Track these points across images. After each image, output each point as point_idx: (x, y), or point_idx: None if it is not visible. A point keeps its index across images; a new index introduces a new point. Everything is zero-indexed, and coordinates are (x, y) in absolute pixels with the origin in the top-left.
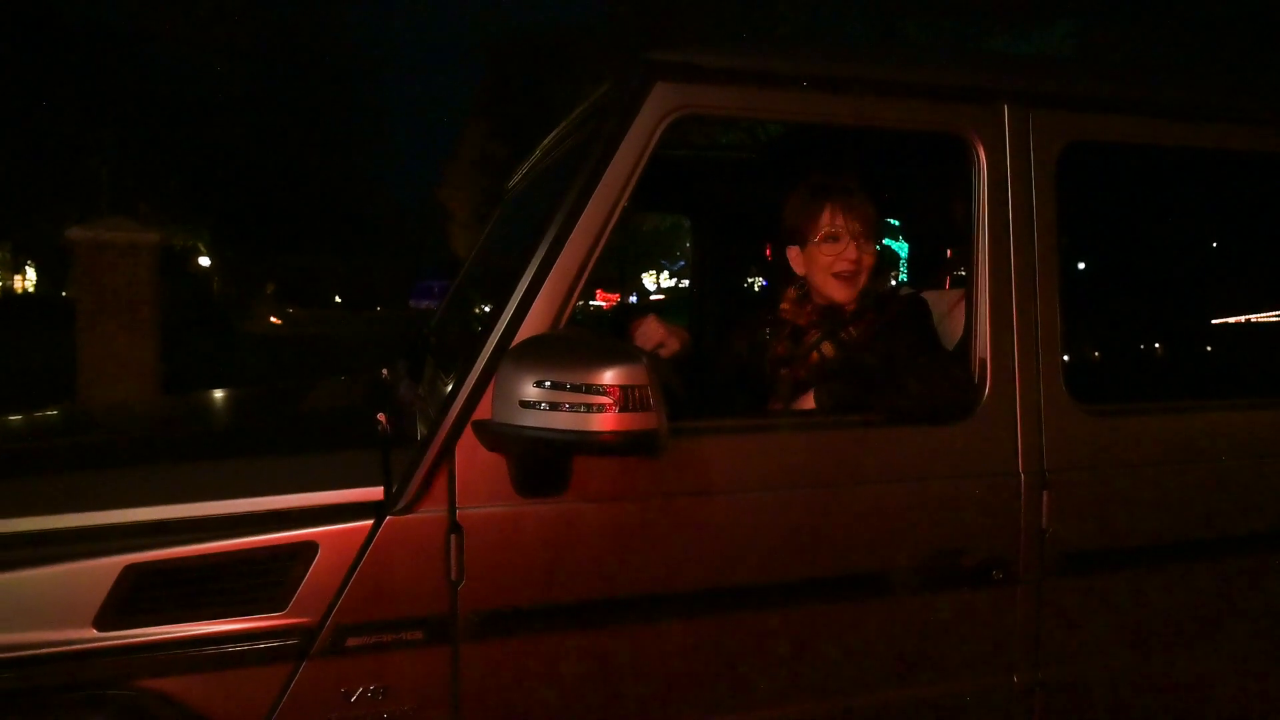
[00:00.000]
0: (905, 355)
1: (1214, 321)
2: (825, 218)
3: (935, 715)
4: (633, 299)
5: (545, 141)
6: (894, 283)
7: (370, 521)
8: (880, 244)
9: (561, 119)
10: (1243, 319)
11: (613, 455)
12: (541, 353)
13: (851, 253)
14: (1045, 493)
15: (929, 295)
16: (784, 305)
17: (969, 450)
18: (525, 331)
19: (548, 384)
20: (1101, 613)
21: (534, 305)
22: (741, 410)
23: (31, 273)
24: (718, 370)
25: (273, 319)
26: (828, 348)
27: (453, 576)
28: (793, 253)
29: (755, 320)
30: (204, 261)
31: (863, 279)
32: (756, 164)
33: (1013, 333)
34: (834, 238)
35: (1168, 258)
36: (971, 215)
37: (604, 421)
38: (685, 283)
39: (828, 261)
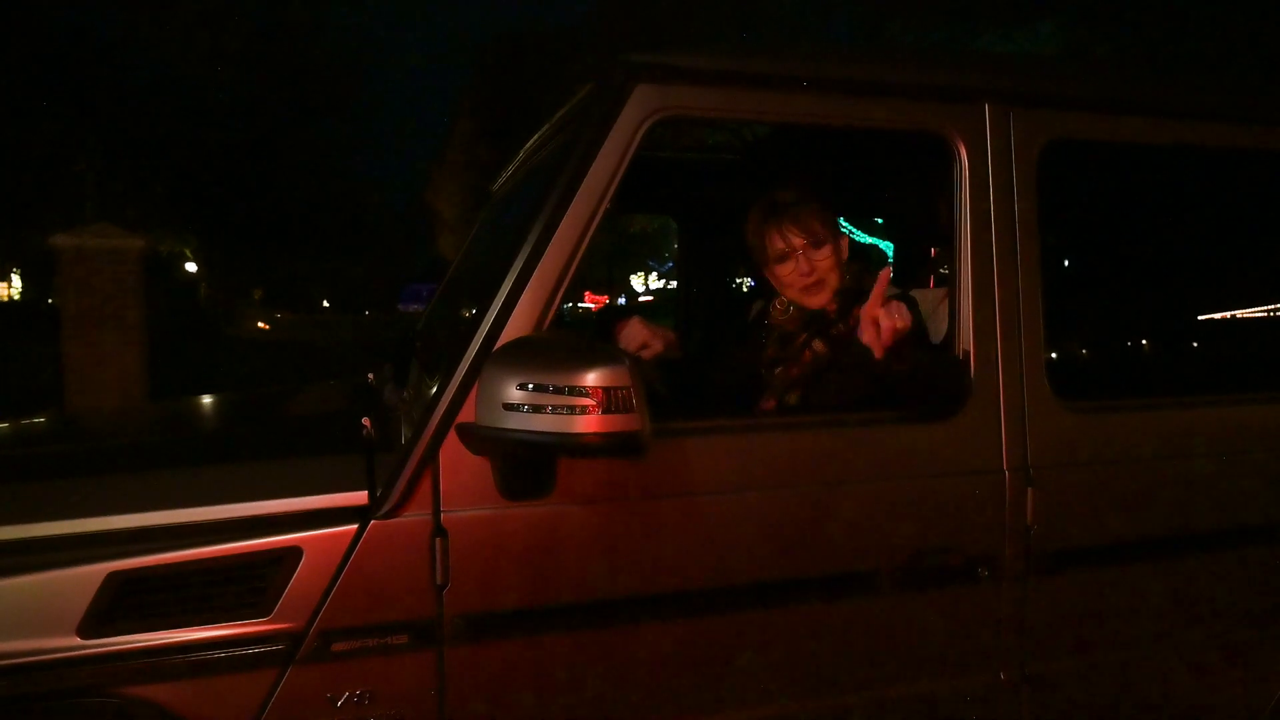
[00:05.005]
0: (893, 353)
1: (1197, 318)
2: (769, 242)
3: (922, 712)
4: (621, 300)
5: (529, 144)
6: None
7: (355, 526)
8: (838, 236)
9: (546, 121)
10: (1225, 315)
11: (596, 457)
12: (524, 355)
13: (804, 266)
14: (1030, 490)
15: (913, 294)
16: (775, 313)
17: (953, 448)
18: (509, 334)
19: (531, 386)
20: (1087, 609)
21: (517, 308)
22: (726, 410)
23: (16, 279)
24: (712, 372)
25: (260, 324)
26: (819, 345)
27: (438, 580)
28: (768, 276)
29: (745, 325)
30: (190, 267)
31: (831, 280)
32: (741, 165)
33: (996, 331)
34: (783, 258)
35: (1150, 254)
36: (954, 214)
37: (587, 423)
38: (674, 284)
39: (788, 279)
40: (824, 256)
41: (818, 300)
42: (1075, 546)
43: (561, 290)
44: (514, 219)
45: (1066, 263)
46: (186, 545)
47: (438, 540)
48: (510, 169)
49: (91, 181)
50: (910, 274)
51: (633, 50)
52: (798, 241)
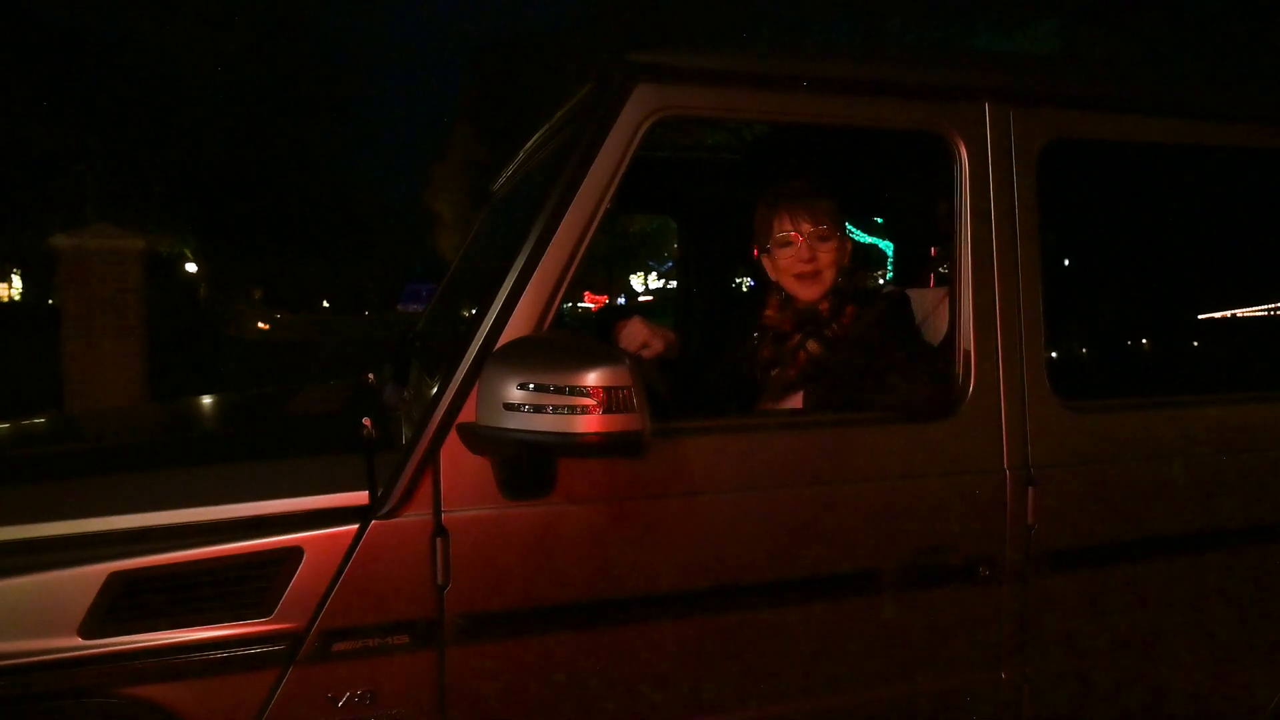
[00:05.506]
0: (887, 352)
1: (1197, 317)
2: (777, 223)
3: (924, 711)
4: (621, 300)
5: (529, 144)
6: (880, 281)
7: (355, 526)
8: (844, 238)
9: (546, 121)
10: (1225, 314)
11: (596, 456)
12: (525, 355)
13: (804, 253)
14: (1030, 489)
15: (913, 294)
16: (769, 312)
17: (954, 448)
18: (509, 334)
19: (531, 386)
20: (1088, 608)
21: (517, 308)
22: (726, 411)
23: (17, 280)
24: (708, 375)
25: (260, 324)
26: (813, 346)
27: (438, 580)
28: (765, 261)
29: (742, 326)
30: (190, 267)
31: (827, 276)
32: (741, 164)
33: (996, 330)
34: (787, 242)
35: (1150, 254)
36: (954, 213)
37: (587, 423)
38: (674, 284)
39: (786, 265)
40: (827, 250)
41: (810, 293)
42: (1076, 545)
43: (562, 290)
44: (514, 219)
45: (1067, 262)
46: (188, 545)
47: (438, 540)
48: (510, 169)
49: (91, 182)
50: (910, 274)
51: (633, 49)
52: (806, 227)
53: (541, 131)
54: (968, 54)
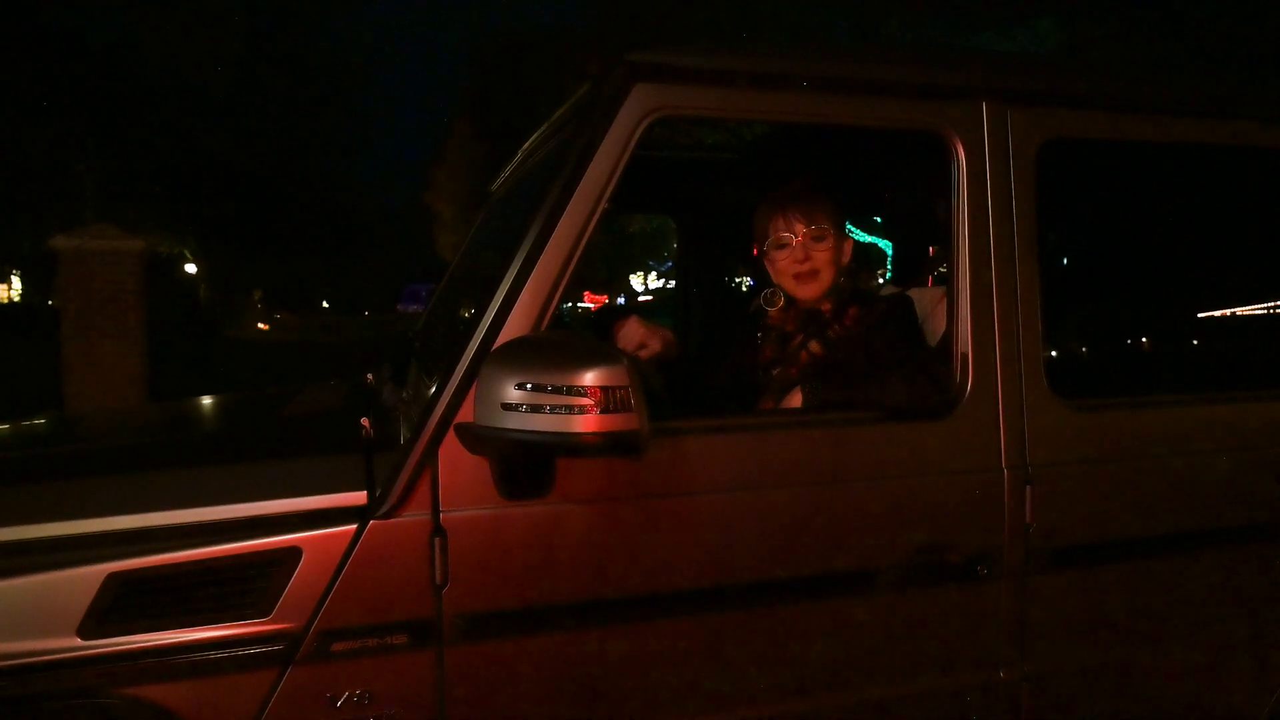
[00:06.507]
0: (889, 353)
1: (1196, 316)
2: (773, 226)
3: (923, 711)
4: (620, 300)
5: (527, 144)
6: (880, 280)
7: (354, 526)
8: (843, 237)
9: (545, 121)
10: (1224, 313)
11: (594, 456)
12: (523, 355)
13: (800, 254)
14: (1028, 488)
15: (913, 293)
16: (771, 312)
17: (952, 447)
18: (507, 334)
19: (529, 386)
20: (1086, 607)
21: (515, 308)
22: (725, 410)
23: (16, 281)
24: (709, 375)
25: (260, 325)
26: (815, 346)
27: (437, 580)
28: (765, 263)
29: (742, 325)
30: (190, 268)
31: (825, 276)
32: (740, 164)
33: (994, 329)
34: (783, 244)
35: (1148, 253)
36: (952, 213)
37: (585, 423)
38: (674, 284)
39: (783, 266)
40: (823, 249)
41: (808, 292)
42: (1074, 544)
43: (560, 289)
44: (513, 219)
45: (1065, 261)
46: (186, 546)
47: (437, 540)
48: (509, 169)
49: (91, 183)
50: (909, 273)
51: (631, 49)
52: (800, 229)
53: (540, 131)
54: (965, 53)
